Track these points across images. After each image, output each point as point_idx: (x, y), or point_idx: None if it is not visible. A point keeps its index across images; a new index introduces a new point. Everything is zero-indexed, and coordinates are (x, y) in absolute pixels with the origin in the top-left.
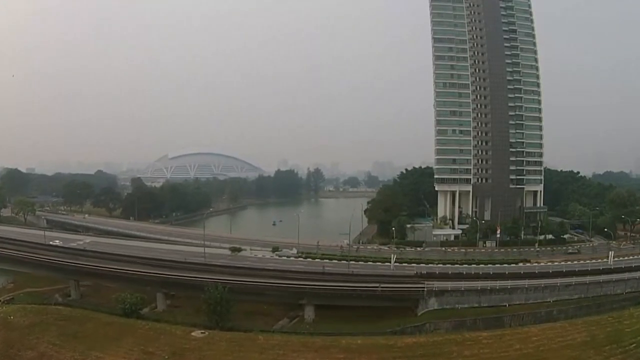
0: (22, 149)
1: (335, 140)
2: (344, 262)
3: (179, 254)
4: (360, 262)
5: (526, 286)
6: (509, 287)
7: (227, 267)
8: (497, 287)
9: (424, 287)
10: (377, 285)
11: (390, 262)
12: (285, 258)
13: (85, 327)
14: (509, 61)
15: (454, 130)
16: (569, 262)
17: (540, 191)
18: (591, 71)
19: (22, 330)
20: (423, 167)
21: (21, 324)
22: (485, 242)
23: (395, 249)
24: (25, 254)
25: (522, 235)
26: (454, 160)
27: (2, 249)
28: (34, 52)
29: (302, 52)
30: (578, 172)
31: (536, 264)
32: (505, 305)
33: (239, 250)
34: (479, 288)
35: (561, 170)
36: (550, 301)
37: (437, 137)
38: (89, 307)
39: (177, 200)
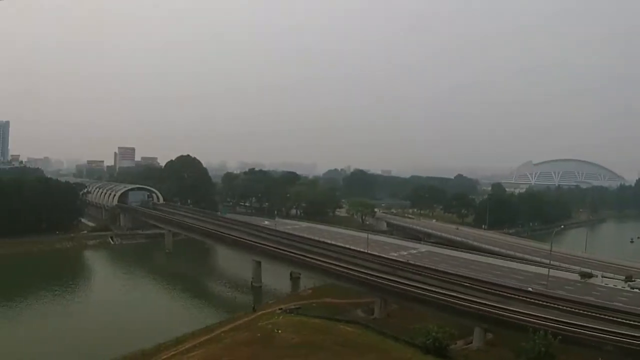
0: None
1: None
2: None
3: (521, 275)
4: None
5: None
6: None
7: (565, 301)
8: None
9: None
10: None
11: None
12: (637, 291)
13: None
14: None
15: None
16: None
17: None
18: None
19: (283, 350)
20: None
21: (287, 341)
22: None
23: None
24: (329, 263)
25: None
26: None
27: (309, 258)
28: None
29: None
30: None
31: None
32: None
33: (590, 276)
34: None
35: None
36: None
37: None
38: (388, 332)
39: (534, 209)
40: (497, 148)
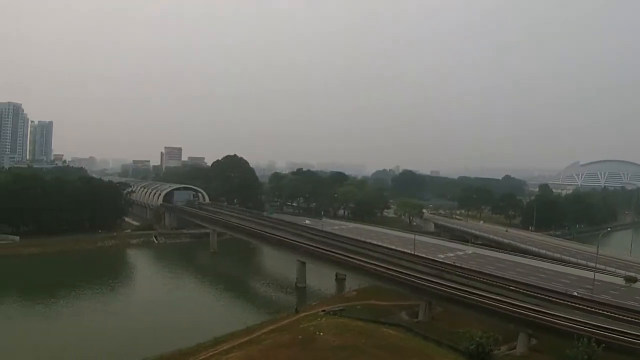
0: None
1: None
2: None
3: (566, 278)
4: None
5: None
6: None
7: (609, 306)
8: None
9: None
10: None
11: None
12: None
13: None
14: None
15: None
16: None
17: None
18: None
19: (323, 353)
20: None
21: (328, 344)
22: None
23: None
24: (374, 265)
25: None
26: None
27: (354, 259)
28: None
29: None
30: None
31: None
32: None
33: (635, 280)
34: None
35: None
36: None
37: None
38: (432, 336)
39: (581, 211)
40: (545, 149)
